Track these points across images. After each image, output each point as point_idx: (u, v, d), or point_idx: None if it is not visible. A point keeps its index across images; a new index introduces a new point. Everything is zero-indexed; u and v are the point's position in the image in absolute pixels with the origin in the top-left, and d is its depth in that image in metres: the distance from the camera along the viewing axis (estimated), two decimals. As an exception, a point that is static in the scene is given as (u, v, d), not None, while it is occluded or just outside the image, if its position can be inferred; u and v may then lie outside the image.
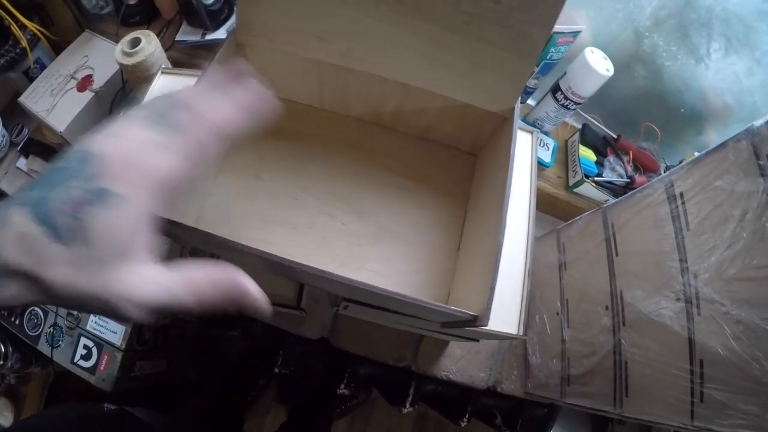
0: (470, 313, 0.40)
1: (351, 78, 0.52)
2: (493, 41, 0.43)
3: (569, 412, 0.92)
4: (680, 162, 0.80)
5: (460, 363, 0.71)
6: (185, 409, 0.94)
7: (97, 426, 0.60)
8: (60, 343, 0.78)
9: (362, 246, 0.50)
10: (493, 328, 0.50)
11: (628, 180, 0.76)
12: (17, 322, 0.80)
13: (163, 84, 0.70)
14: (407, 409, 0.75)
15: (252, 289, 0.26)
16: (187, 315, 0.91)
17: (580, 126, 0.81)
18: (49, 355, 0.77)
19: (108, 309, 0.23)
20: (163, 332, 0.84)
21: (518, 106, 0.47)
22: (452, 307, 0.38)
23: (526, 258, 0.56)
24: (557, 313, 0.69)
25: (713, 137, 0.81)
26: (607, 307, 0.62)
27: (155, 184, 0.24)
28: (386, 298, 0.39)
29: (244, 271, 0.27)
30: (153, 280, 0.24)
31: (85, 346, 0.77)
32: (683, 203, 0.56)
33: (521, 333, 0.52)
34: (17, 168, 0.83)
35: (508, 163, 0.44)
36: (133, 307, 0.23)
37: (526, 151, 0.62)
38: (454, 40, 0.44)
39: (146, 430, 0.63)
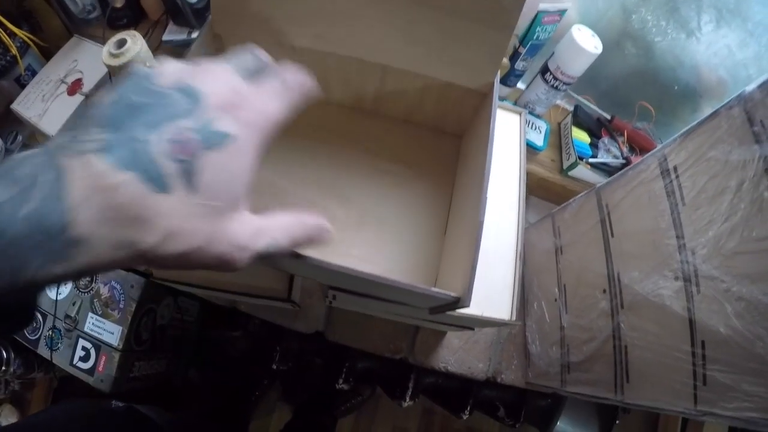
0: (451, 294, 0.38)
1: (328, 62, 0.50)
2: (467, 14, 0.41)
3: (575, 403, 0.89)
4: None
5: (458, 354, 0.69)
6: (190, 408, 0.92)
7: (106, 423, 0.60)
8: (59, 345, 0.77)
9: (345, 231, 0.48)
10: (485, 314, 0.48)
11: (624, 161, 0.73)
12: (17, 326, 0.79)
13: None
14: (407, 402, 0.73)
15: (328, 227, 0.27)
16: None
17: (572, 108, 0.79)
18: (49, 358, 0.76)
19: (217, 261, 0.21)
20: (160, 332, 0.83)
21: (497, 81, 0.45)
22: (432, 289, 0.36)
23: (517, 242, 0.54)
24: (555, 300, 0.66)
25: (709, 113, 0.77)
26: (604, 291, 0.60)
27: (265, 127, 0.23)
28: (368, 282, 0.38)
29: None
30: (258, 227, 0.23)
31: (84, 348, 0.77)
32: (677, 177, 0.53)
33: (514, 318, 0.49)
34: (13, 174, 0.82)
35: (488, 138, 0.42)
36: (244, 256, 0.22)
37: (513, 132, 0.60)
38: (427, 15, 0.42)
39: (154, 428, 0.62)
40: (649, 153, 0.56)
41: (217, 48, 0.53)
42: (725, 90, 0.74)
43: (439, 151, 0.55)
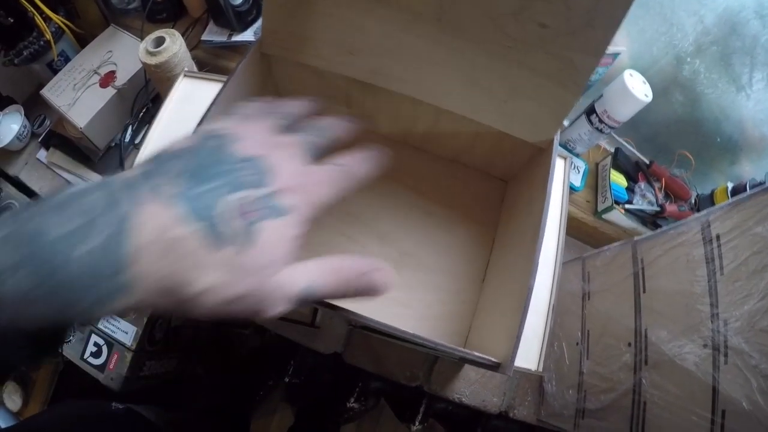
0: (493, 360, 0.38)
1: (381, 97, 0.50)
2: (536, 68, 0.41)
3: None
4: (712, 192, 0.78)
5: (473, 386, 0.70)
6: (193, 406, 0.94)
7: (105, 425, 0.61)
8: (71, 337, 0.78)
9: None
10: (516, 363, 0.49)
11: (659, 208, 0.74)
12: (31, 314, 0.80)
13: (185, 88, 0.68)
14: (417, 426, 0.74)
15: (386, 273, 0.27)
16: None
17: (612, 149, 0.79)
18: (60, 350, 0.77)
19: (255, 308, 0.23)
20: (174, 332, 0.83)
21: (558, 137, 0.45)
22: (474, 353, 0.37)
23: (551, 292, 0.54)
24: (577, 344, 0.68)
25: (748, 168, 0.78)
26: (630, 344, 0.61)
27: (317, 206, 0.25)
28: (405, 335, 0.38)
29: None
30: (299, 275, 0.24)
31: (96, 344, 0.77)
32: (719, 246, 0.54)
33: (540, 369, 0.50)
34: (37, 159, 0.82)
35: (544, 195, 0.42)
36: (283, 302, 0.23)
37: (558, 177, 0.60)
38: (494, 63, 0.42)
39: (153, 429, 0.63)
40: (693, 216, 0.56)
41: (263, 68, 0.53)
42: (766, 147, 0.74)
43: (484, 194, 0.55)
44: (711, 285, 0.52)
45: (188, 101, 0.65)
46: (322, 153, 0.28)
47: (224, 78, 0.64)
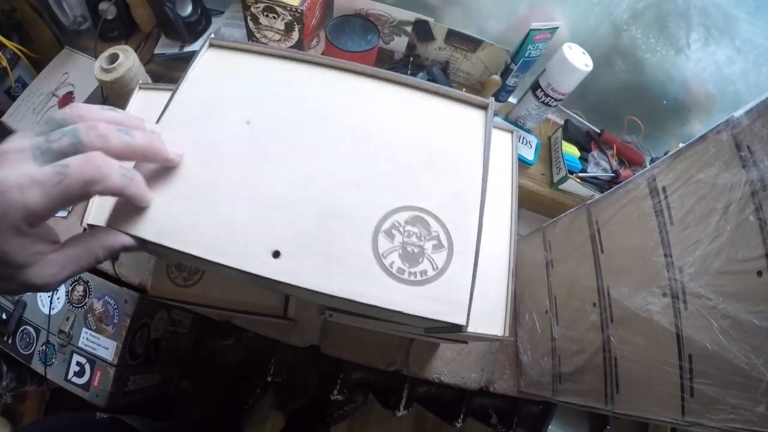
0: (455, 322, 0.38)
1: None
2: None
3: (566, 408, 0.91)
4: (665, 153, 0.79)
5: (451, 365, 0.69)
6: (183, 419, 0.92)
7: None
8: (53, 360, 0.77)
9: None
10: (479, 331, 0.49)
11: (613, 174, 0.75)
12: (9, 341, 0.79)
13: (141, 100, 0.68)
14: (402, 412, 0.74)
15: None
16: (181, 327, 0.90)
17: (562, 122, 0.80)
18: (43, 374, 0.76)
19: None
20: (155, 345, 0.82)
21: (492, 105, 0.46)
22: (440, 318, 0.37)
23: (509, 258, 0.54)
24: (546, 311, 0.68)
25: (697, 127, 0.79)
26: (594, 304, 0.61)
27: (14, 220, 0.25)
28: (367, 307, 0.38)
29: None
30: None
31: (78, 363, 0.76)
32: (666, 197, 0.54)
33: (507, 334, 0.50)
34: (3, 187, 0.81)
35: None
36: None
37: (506, 150, 0.60)
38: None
39: None
40: (639, 172, 0.57)
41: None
42: (713, 104, 0.75)
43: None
44: (663, 236, 0.53)
45: (145, 112, 0.66)
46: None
47: (173, 87, 0.65)
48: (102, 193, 0.28)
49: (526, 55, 0.70)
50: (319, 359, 0.72)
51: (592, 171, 0.74)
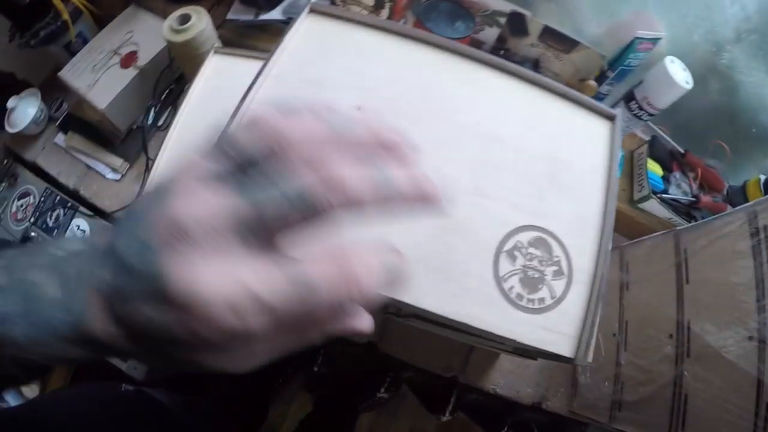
0: (564, 355, 0.37)
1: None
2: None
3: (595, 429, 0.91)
4: (744, 183, 0.77)
5: (508, 377, 0.70)
6: (212, 393, 0.93)
7: (115, 406, 0.61)
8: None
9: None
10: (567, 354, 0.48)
11: (693, 199, 0.73)
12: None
13: (216, 65, 0.66)
14: (447, 417, 0.74)
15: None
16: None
17: (647, 137, 0.78)
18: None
19: None
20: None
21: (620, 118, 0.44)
22: (550, 350, 0.36)
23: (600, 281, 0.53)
24: (614, 335, 0.67)
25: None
26: (671, 336, 0.60)
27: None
28: (481, 331, 0.37)
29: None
30: None
31: (119, 333, 0.76)
32: (767, 237, 0.53)
33: (590, 359, 0.49)
34: (55, 144, 0.81)
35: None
36: None
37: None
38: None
39: (163, 410, 0.63)
40: (739, 207, 0.56)
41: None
42: (803, 139, 0.73)
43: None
44: (758, 276, 0.52)
45: (220, 78, 0.63)
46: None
47: (259, 54, 0.62)
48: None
49: (626, 63, 0.68)
50: (367, 356, 0.72)
51: (673, 193, 0.73)
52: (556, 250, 0.40)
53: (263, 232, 0.18)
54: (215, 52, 0.66)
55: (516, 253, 0.39)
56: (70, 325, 0.19)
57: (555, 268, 0.40)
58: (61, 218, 0.80)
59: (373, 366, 0.76)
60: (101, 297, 0.19)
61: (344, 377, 0.82)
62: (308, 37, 0.43)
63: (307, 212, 0.18)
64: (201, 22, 0.69)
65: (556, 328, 0.39)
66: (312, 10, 0.44)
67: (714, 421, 0.52)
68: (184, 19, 0.69)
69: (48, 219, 0.81)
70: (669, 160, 0.77)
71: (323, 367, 0.75)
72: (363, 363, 0.76)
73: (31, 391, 0.87)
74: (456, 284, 0.38)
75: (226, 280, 0.17)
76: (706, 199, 0.73)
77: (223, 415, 0.87)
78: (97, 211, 0.78)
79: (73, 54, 0.76)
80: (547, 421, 0.79)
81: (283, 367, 1.01)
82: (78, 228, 0.80)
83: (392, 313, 0.60)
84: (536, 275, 0.39)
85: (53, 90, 0.81)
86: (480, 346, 0.66)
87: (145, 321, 0.17)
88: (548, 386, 0.71)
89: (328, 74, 0.42)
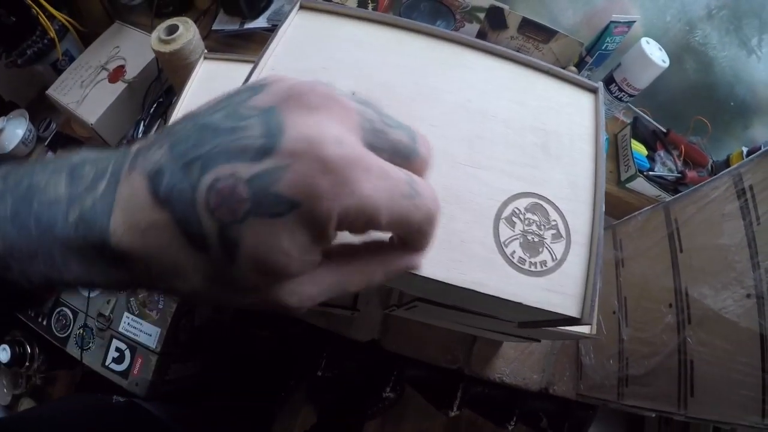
0: (571, 315, 0.39)
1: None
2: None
3: (605, 412, 0.91)
4: (727, 157, 0.80)
5: (513, 365, 0.70)
6: (211, 406, 0.92)
7: (106, 417, 0.60)
8: (90, 345, 0.76)
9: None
10: (571, 327, 0.49)
11: (679, 175, 0.75)
12: (45, 322, 0.78)
13: (207, 69, 0.67)
14: (455, 412, 0.74)
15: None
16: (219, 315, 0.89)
17: (629, 120, 0.81)
18: (79, 358, 0.75)
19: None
20: (198, 333, 0.82)
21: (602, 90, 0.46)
22: (556, 310, 0.37)
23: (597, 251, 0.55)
24: (614, 312, 0.68)
25: (761, 131, 0.81)
26: (670, 305, 0.62)
27: (348, 216, 0.17)
28: (488, 298, 0.38)
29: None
30: (306, 289, 0.19)
31: (118, 349, 0.75)
32: (753, 196, 0.55)
33: (594, 332, 0.50)
34: (44, 163, 0.80)
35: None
36: (292, 311, 0.20)
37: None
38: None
39: (155, 423, 0.63)
40: (723, 172, 0.58)
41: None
42: (779, 109, 0.77)
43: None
44: (749, 235, 0.54)
45: (212, 82, 0.64)
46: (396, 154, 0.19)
47: (248, 58, 0.64)
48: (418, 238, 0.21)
49: (603, 47, 0.71)
50: (371, 355, 0.72)
51: (659, 170, 0.75)
52: (553, 215, 0.41)
53: (381, 139, 0.19)
54: (205, 57, 0.67)
55: (514, 219, 0.40)
56: (77, 230, 0.17)
57: (553, 231, 0.41)
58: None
59: (377, 365, 0.76)
60: (149, 183, 0.17)
61: (348, 379, 0.81)
62: (300, 30, 0.45)
63: (413, 151, 0.20)
64: (189, 32, 0.71)
65: (560, 289, 0.40)
66: (302, 6, 0.46)
67: (722, 382, 0.53)
68: (172, 29, 0.70)
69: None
70: (652, 140, 0.79)
71: (327, 371, 0.75)
72: (366, 363, 0.76)
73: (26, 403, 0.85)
74: (460, 252, 0.39)
75: (345, 138, 0.17)
76: (691, 174, 0.76)
77: (221, 428, 0.86)
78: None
79: (59, 72, 0.77)
80: (555, 408, 0.79)
81: (284, 378, 1.00)
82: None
83: (394, 305, 0.61)
84: (536, 239, 0.40)
85: (41, 110, 0.82)
86: (480, 333, 0.67)
87: (230, 189, 0.15)
88: (554, 371, 0.72)
89: (321, 64, 0.44)
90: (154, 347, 0.74)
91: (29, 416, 0.60)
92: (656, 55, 0.68)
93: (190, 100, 0.63)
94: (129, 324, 0.76)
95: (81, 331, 0.77)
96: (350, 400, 0.98)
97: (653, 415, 0.63)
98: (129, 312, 0.76)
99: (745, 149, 0.79)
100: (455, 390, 0.75)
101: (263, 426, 0.99)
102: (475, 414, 0.83)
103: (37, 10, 0.72)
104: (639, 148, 0.76)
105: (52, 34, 0.74)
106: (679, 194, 0.62)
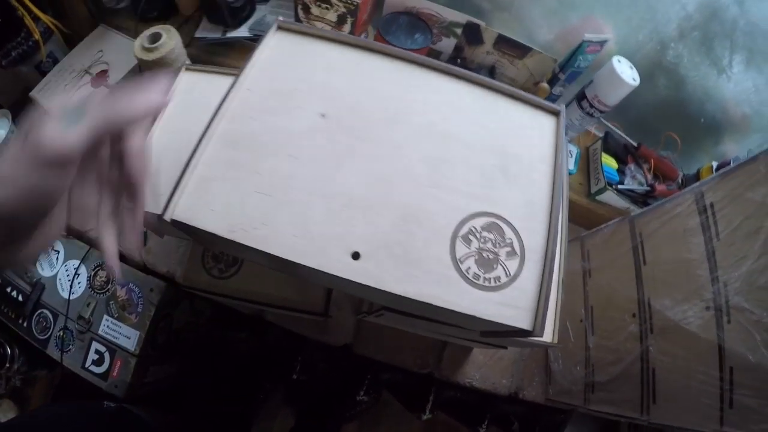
0: (523, 328, 0.40)
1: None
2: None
3: (580, 418, 0.94)
4: (697, 171, 0.82)
5: (482, 370, 0.72)
6: (192, 410, 0.93)
7: (94, 423, 0.61)
8: (70, 347, 0.77)
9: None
10: (530, 337, 0.51)
11: (649, 188, 0.78)
12: (25, 324, 0.79)
13: (187, 82, 0.69)
14: (427, 415, 0.76)
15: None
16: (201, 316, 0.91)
17: (601, 134, 0.83)
18: (59, 360, 0.76)
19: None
20: (176, 336, 0.83)
21: (563, 113, 0.48)
22: (509, 323, 0.39)
23: (560, 266, 0.57)
24: (581, 320, 0.71)
25: (731, 147, 0.83)
26: (634, 315, 0.64)
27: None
28: (443, 311, 0.40)
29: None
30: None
31: (97, 351, 0.76)
32: (714, 213, 0.58)
33: (555, 341, 0.52)
34: (26, 165, 0.81)
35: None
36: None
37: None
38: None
39: (145, 428, 0.64)
40: (686, 189, 0.60)
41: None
42: (748, 126, 0.79)
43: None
44: (709, 250, 0.56)
45: (192, 94, 0.66)
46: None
47: (228, 70, 0.65)
48: (128, 119, 0.30)
49: (576, 65, 0.73)
50: (345, 360, 0.74)
51: (629, 184, 0.77)
52: (508, 233, 0.43)
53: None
54: (186, 69, 0.68)
55: (471, 237, 0.42)
56: None
57: (508, 249, 0.43)
58: (34, 240, 0.81)
59: (351, 369, 0.77)
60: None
61: (323, 383, 0.83)
62: (276, 51, 0.47)
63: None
64: (171, 41, 0.72)
65: (513, 303, 0.41)
66: (280, 27, 0.48)
67: (682, 390, 0.55)
68: (155, 37, 0.71)
69: (21, 241, 0.81)
70: (624, 154, 0.81)
71: (302, 374, 0.77)
72: (340, 366, 0.78)
73: (3, 414, 0.86)
74: (417, 268, 0.41)
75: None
76: (660, 187, 0.78)
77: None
78: (71, 231, 0.79)
79: (43, 74, 0.77)
80: (526, 411, 0.82)
81: (263, 380, 1.02)
82: (52, 249, 0.81)
83: (365, 312, 0.62)
84: (491, 256, 0.42)
85: (24, 111, 0.83)
86: (451, 340, 0.69)
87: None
88: (523, 376, 0.74)
89: (295, 85, 0.45)
90: (133, 350, 0.76)
91: (17, 423, 0.61)
92: (627, 73, 0.70)
93: (170, 110, 0.64)
94: (108, 327, 0.77)
95: (61, 333, 0.78)
96: (326, 403, 0.99)
97: (622, 420, 0.65)
98: (108, 315, 0.77)
99: (714, 164, 0.81)
100: (427, 394, 0.77)
101: (243, 429, 1.00)
102: (450, 418, 0.86)
103: (23, 11, 0.72)
104: (609, 162, 0.79)
105: (37, 35, 0.75)
106: (644, 209, 0.64)
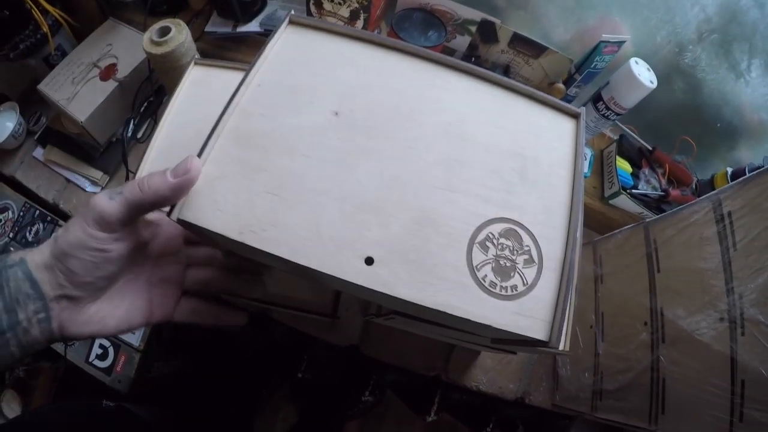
0: (539, 338, 0.39)
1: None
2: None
3: (582, 422, 0.93)
4: (712, 176, 0.81)
5: (490, 374, 0.71)
6: (194, 406, 0.93)
7: (93, 422, 0.60)
8: (74, 341, 0.76)
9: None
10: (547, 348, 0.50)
11: (663, 193, 0.76)
12: (30, 317, 0.78)
13: (196, 76, 0.68)
14: (432, 417, 0.75)
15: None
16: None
17: (616, 136, 0.82)
18: (63, 353, 0.75)
19: None
20: (180, 332, 0.82)
21: (583, 116, 0.46)
22: (524, 334, 0.38)
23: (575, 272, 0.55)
24: (591, 326, 0.69)
25: (746, 153, 0.82)
26: (646, 323, 0.63)
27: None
28: (457, 319, 0.39)
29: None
30: None
31: (101, 346, 0.76)
32: (731, 223, 0.56)
33: (567, 348, 0.51)
34: (33, 157, 0.81)
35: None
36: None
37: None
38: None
39: (144, 427, 0.63)
40: (704, 196, 0.59)
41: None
42: (765, 131, 0.77)
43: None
44: (725, 261, 0.55)
45: (201, 89, 0.65)
46: None
47: (239, 65, 0.64)
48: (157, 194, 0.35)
49: (592, 66, 0.71)
50: (350, 360, 0.73)
51: (643, 188, 0.76)
52: (526, 240, 0.42)
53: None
54: (195, 63, 0.67)
55: (488, 243, 0.41)
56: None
57: (526, 256, 0.42)
58: (41, 233, 0.80)
59: (357, 369, 0.77)
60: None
61: (328, 382, 0.82)
62: (288, 46, 0.45)
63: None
64: (181, 35, 0.70)
65: (529, 313, 0.40)
66: (291, 22, 0.46)
67: (692, 402, 0.54)
68: (164, 31, 0.70)
69: (27, 234, 0.81)
70: (638, 158, 0.80)
71: (307, 372, 0.76)
72: (346, 367, 0.77)
73: (11, 410, 0.86)
74: (432, 275, 0.39)
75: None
76: (675, 192, 0.77)
77: (205, 429, 0.87)
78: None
79: (51, 67, 0.76)
80: (531, 416, 0.81)
81: (267, 376, 1.01)
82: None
83: (373, 314, 0.62)
84: (508, 264, 0.41)
85: (31, 103, 0.81)
86: (460, 343, 0.68)
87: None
88: (530, 381, 0.73)
89: (307, 81, 0.44)
90: (137, 345, 0.75)
91: (20, 423, 0.61)
92: (644, 75, 0.68)
93: (180, 105, 0.63)
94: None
95: (66, 326, 0.77)
96: (330, 401, 0.99)
97: (628, 429, 0.64)
98: (114, 309, 0.76)
99: (729, 170, 0.79)
100: (433, 396, 0.76)
101: (246, 424, 1.00)
102: (454, 419, 0.85)
103: (31, 4, 0.71)
104: (624, 165, 0.77)
105: (46, 29, 0.74)
106: (660, 215, 0.63)
